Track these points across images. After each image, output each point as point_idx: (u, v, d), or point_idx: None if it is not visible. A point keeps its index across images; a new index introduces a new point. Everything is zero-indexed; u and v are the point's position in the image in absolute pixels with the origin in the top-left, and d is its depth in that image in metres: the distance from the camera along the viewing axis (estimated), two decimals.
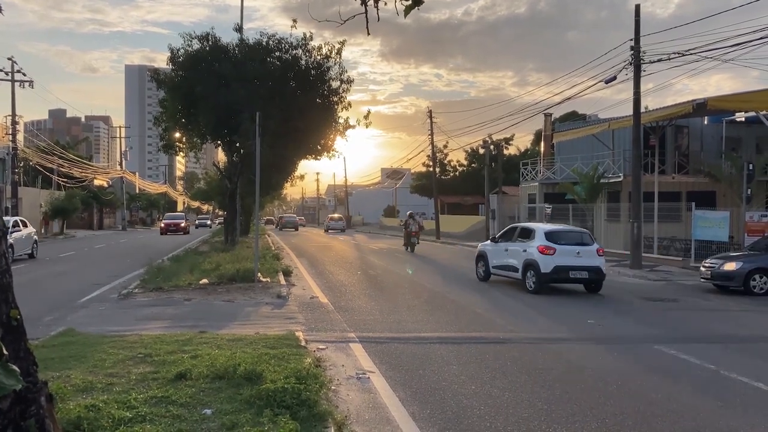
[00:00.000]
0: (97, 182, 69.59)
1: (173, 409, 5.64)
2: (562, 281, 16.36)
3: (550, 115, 43.43)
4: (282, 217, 79.47)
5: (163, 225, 56.73)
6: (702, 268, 17.66)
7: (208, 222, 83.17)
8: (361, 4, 3.79)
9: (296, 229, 68.11)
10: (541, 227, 17.37)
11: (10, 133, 44.63)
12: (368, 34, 3.88)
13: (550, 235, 16.48)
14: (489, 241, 19.81)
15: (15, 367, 2.81)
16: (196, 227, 76.84)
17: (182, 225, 56.27)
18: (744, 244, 20.67)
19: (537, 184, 38.12)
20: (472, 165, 62.67)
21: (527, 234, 17.18)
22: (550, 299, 15.12)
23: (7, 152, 43.90)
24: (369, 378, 7.63)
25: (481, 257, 19.16)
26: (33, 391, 3.06)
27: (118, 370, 7.05)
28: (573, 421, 6.15)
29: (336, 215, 71.96)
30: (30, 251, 25.81)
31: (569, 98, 34.60)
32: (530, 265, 16.27)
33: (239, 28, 25.17)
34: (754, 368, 8.52)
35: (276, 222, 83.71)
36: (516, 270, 16.98)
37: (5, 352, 2.80)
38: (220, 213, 79.27)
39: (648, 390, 7.34)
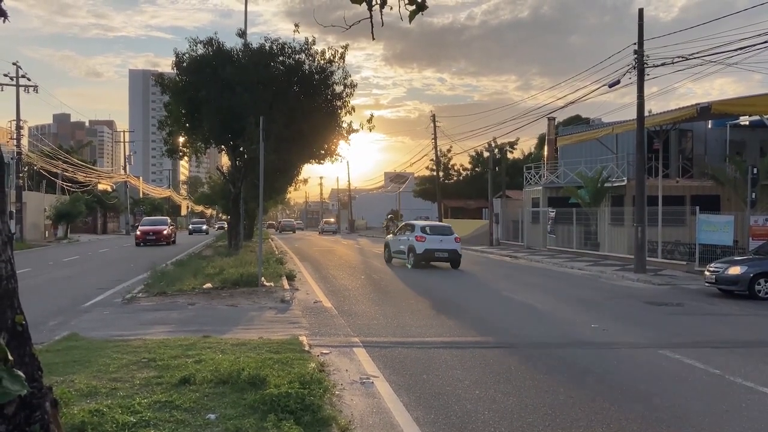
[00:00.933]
0: (101, 186, 69.70)
1: (177, 413, 5.64)
2: (431, 260, 23.96)
3: (554, 119, 43.39)
4: (281, 222, 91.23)
5: (138, 233, 42.21)
6: (706, 273, 17.60)
7: (204, 227, 68.91)
8: (368, 9, 3.79)
9: (294, 232, 78.38)
10: (418, 223, 25.15)
11: (15, 137, 44.81)
12: (373, 38, 3.89)
13: (423, 229, 24.20)
14: (391, 235, 28.21)
15: (20, 373, 2.81)
16: (190, 233, 68.78)
17: (165, 233, 42.20)
18: (749, 248, 20.59)
19: (541, 188, 38.08)
20: (476, 169, 62.60)
21: (411, 228, 24.78)
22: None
23: (11, 157, 44.03)
24: (373, 383, 7.62)
25: (387, 246, 27.19)
26: (38, 397, 3.06)
27: (122, 375, 7.06)
28: (577, 426, 6.14)
29: (331, 219, 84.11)
30: None
31: (573, 102, 34.72)
32: (411, 249, 23.88)
33: (242, 33, 25.23)
34: (760, 373, 8.49)
35: (276, 226, 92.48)
36: (404, 253, 24.54)
37: (10, 357, 2.81)
38: (223, 217, 79.06)
39: (652, 395, 7.32)
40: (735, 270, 16.58)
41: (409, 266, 23.25)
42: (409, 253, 23.78)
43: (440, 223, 28.69)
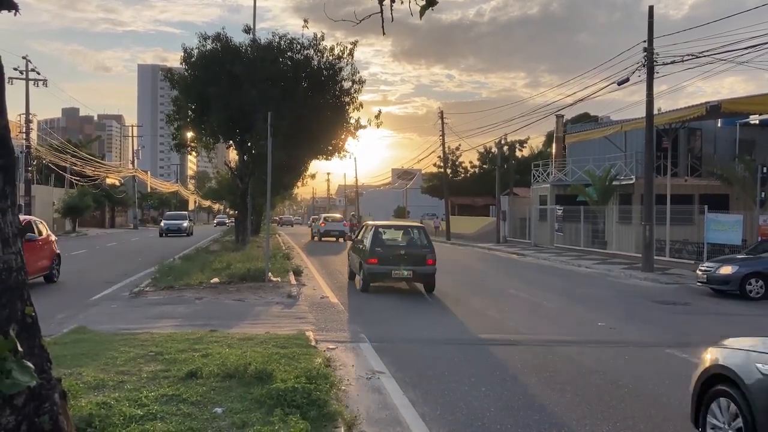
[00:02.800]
0: (109, 181, 69.92)
1: (184, 407, 5.66)
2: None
3: (562, 116, 43.26)
4: (281, 218, 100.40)
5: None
6: (698, 272, 17.63)
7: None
8: (379, 4, 3.78)
9: (291, 226, 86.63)
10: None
11: (24, 131, 45.00)
12: (384, 34, 3.88)
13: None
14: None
15: (30, 364, 2.83)
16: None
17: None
18: None
19: (548, 185, 37.99)
20: (484, 166, 62.50)
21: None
22: None
23: (20, 150, 44.24)
24: (379, 378, 7.63)
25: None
26: (47, 388, 3.07)
27: (129, 368, 7.08)
28: (584, 424, 6.13)
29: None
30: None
31: (581, 100, 34.42)
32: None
33: (250, 29, 25.24)
34: None
35: (277, 221, 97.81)
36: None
37: (20, 348, 2.82)
38: (231, 212, 79.18)
39: (659, 394, 7.30)
40: (726, 270, 16.59)
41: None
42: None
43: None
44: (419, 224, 21.92)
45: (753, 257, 17.08)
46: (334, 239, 43.18)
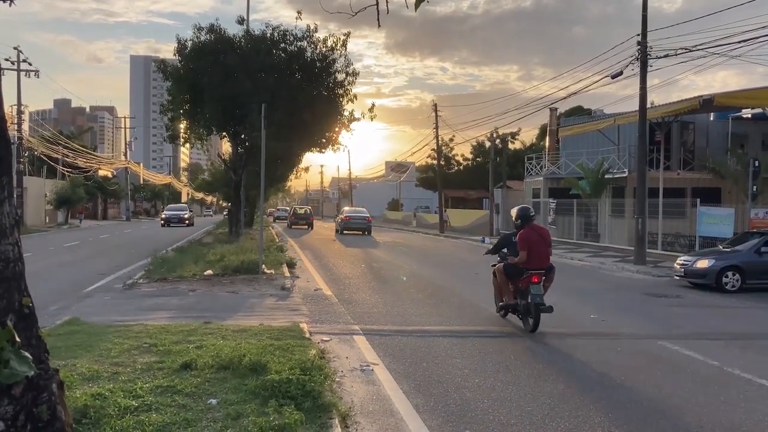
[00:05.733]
0: (101, 172, 69.66)
1: (179, 398, 5.68)
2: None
3: (556, 109, 43.28)
4: (277, 209, 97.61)
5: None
6: (676, 266, 17.80)
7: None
8: None
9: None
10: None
11: (16, 122, 44.73)
12: (379, 26, 3.89)
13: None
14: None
15: (27, 354, 2.84)
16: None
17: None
18: None
19: (542, 178, 38.07)
20: (477, 159, 62.54)
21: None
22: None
23: (12, 142, 43.98)
24: (373, 370, 7.67)
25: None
26: (45, 378, 3.09)
27: (123, 360, 7.09)
28: (576, 416, 6.18)
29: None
30: None
31: (575, 93, 34.36)
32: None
33: (243, 20, 25.10)
34: (758, 365, 8.53)
35: (274, 215, 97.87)
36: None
37: (18, 339, 2.83)
38: (224, 205, 79.11)
39: (651, 385, 7.36)
40: (703, 263, 16.77)
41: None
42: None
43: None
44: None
45: (729, 251, 17.25)
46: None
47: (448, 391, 6.92)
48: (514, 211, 11.18)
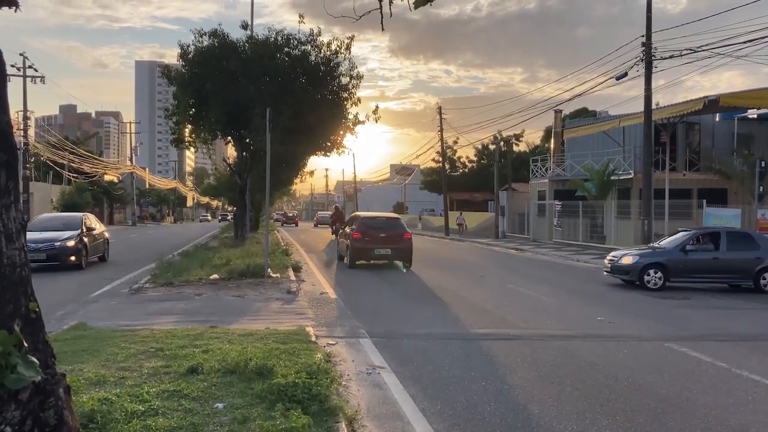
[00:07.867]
0: (107, 177, 69.88)
1: (185, 402, 5.68)
2: None
3: (561, 111, 43.26)
4: (284, 214, 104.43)
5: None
6: (606, 261, 17.88)
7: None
8: (378, 0, 3.79)
9: (296, 225, 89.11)
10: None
11: (22, 128, 44.94)
12: (383, 30, 3.88)
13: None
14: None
15: (34, 359, 2.84)
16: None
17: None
18: None
19: (547, 180, 38.02)
20: (482, 161, 62.53)
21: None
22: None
23: (18, 147, 44.16)
24: (379, 373, 7.66)
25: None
26: (51, 383, 3.09)
27: (130, 364, 7.10)
28: (584, 418, 6.15)
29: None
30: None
31: (579, 95, 34.55)
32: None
33: (247, 25, 25.14)
34: (766, 366, 8.48)
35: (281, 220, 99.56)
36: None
37: (25, 343, 2.84)
38: (230, 209, 79.37)
39: (659, 387, 7.33)
40: (627, 260, 16.90)
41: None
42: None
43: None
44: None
45: (654, 249, 17.32)
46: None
47: (455, 394, 6.90)
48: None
